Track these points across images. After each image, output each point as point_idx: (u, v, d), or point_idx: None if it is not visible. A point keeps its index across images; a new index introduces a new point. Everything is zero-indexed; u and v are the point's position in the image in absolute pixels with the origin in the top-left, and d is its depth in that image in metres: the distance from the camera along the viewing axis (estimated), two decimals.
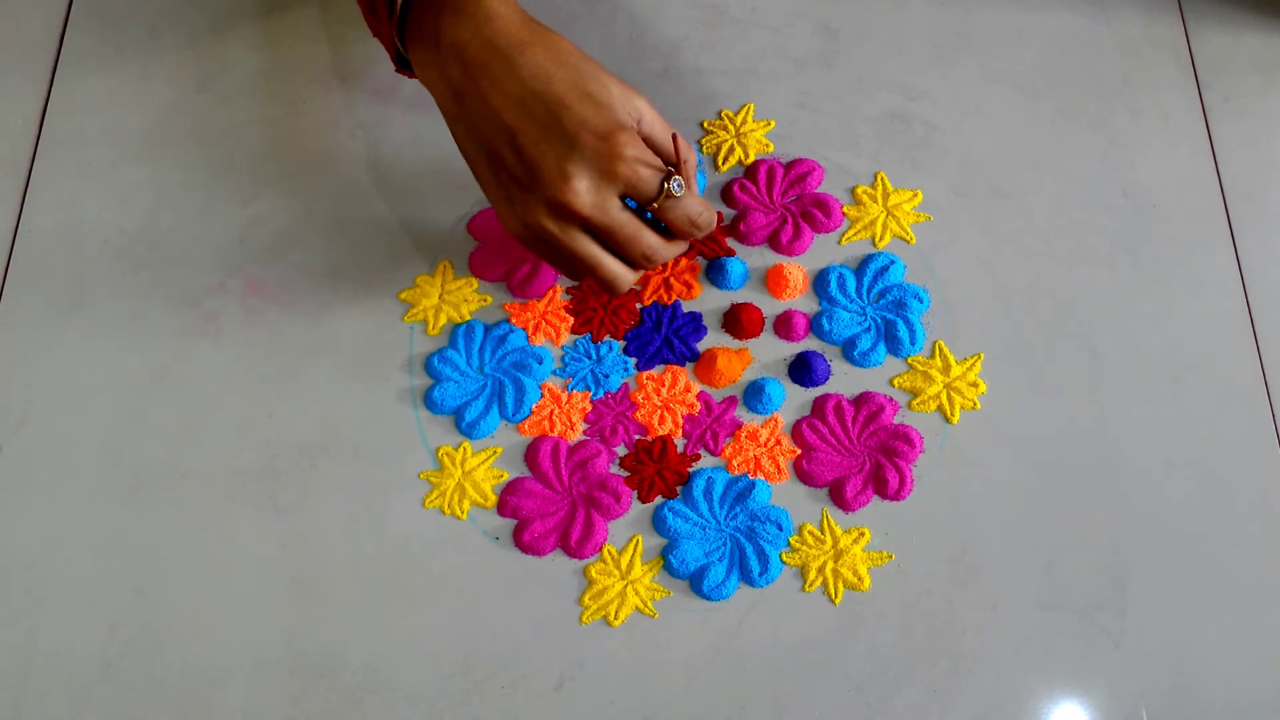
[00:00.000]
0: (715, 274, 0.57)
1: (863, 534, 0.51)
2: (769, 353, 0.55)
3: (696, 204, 0.50)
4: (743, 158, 0.60)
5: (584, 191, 0.47)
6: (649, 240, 0.49)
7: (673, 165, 0.50)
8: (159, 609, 0.51)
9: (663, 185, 0.48)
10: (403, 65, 0.54)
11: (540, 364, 0.55)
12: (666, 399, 0.54)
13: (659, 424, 0.54)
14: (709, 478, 0.53)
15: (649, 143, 0.49)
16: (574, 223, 0.48)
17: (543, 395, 0.55)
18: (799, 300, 0.56)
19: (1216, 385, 0.54)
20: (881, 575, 0.51)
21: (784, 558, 0.51)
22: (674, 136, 0.50)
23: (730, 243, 0.58)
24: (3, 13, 0.65)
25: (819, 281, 0.57)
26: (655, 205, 0.48)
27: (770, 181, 0.59)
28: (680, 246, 0.51)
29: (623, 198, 0.48)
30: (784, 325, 0.56)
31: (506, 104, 0.47)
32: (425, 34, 0.50)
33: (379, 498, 0.53)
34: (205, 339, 0.56)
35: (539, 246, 0.50)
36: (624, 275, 0.50)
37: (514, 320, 0.56)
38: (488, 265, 0.57)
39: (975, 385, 0.54)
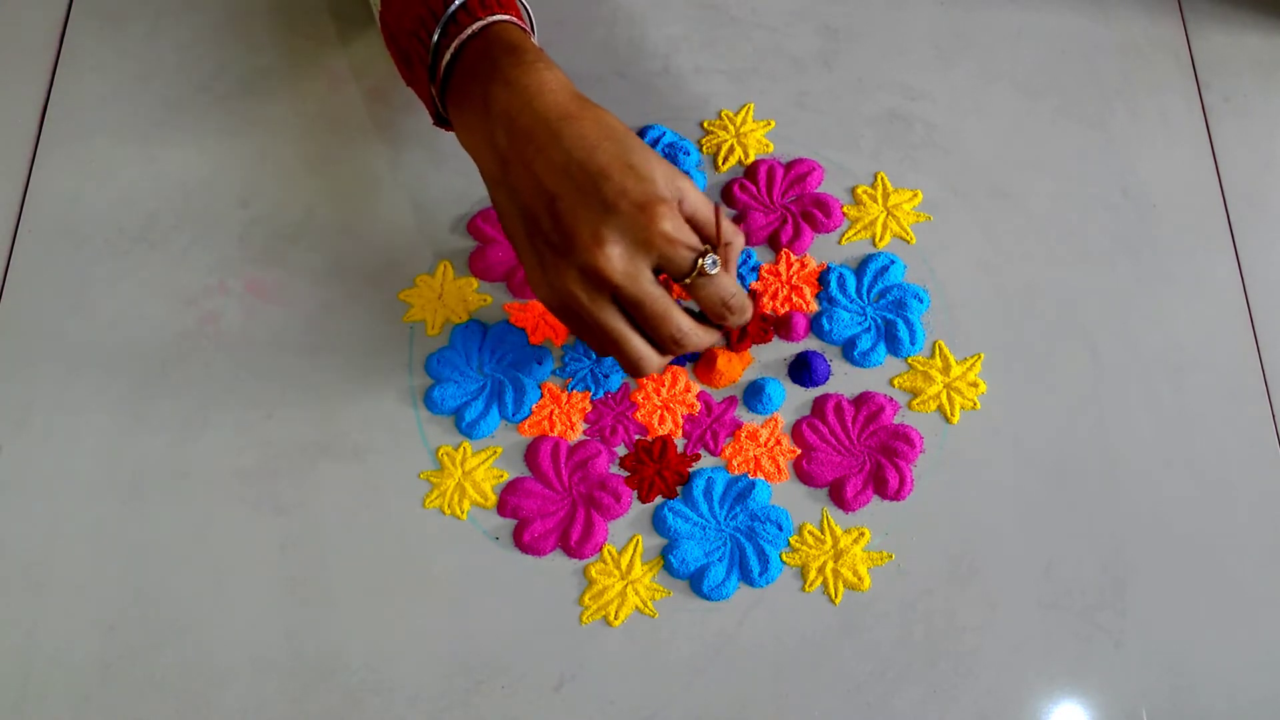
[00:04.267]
0: None
1: (863, 534, 0.51)
2: (769, 353, 0.55)
3: (731, 285, 0.49)
4: (743, 158, 0.60)
5: (616, 258, 0.46)
6: (679, 321, 0.48)
7: (711, 245, 0.48)
8: (159, 609, 0.51)
9: (696, 261, 0.47)
10: (441, 122, 0.54)
11: (540, 364, 0.55)
12: (666, 399, 0.54)
13: (659, 424, 0.54)
14: (709, 478, 0.53)
15: (691, 223, 0.48)
16: (604, 292, 0.47)
17: (543, 395, 0.55)
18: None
19: (1216, 385, 0.54)
20: (881, 575, 0.51)
21: (784, 558, 0.51)
22: (717, 215, 0.48)
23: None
24: (3, 13, 0.65)
25: (819, 281, 0.57)
26: (687, 281, 0.48)
27: (770, 181, 0.59)
28: (713, 336, 0.51)
29: (655, 272, 0.48)
30: (784, 325, 0.56)
31: (549, 171, 0.47)
32: (472, 100, 0.50)
33: (379, 498, 0.53)
34: (205, 339, 0.56)
35: (566, 315, 0.48)
36: (650, 357, 0.49)
37: (514, 320, 0.56)
38: (488, 265, 0.57)
39: (975, 385, 0.54)
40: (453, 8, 0.50)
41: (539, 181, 0.47)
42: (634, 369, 0.49)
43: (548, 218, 0.47)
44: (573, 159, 0.47)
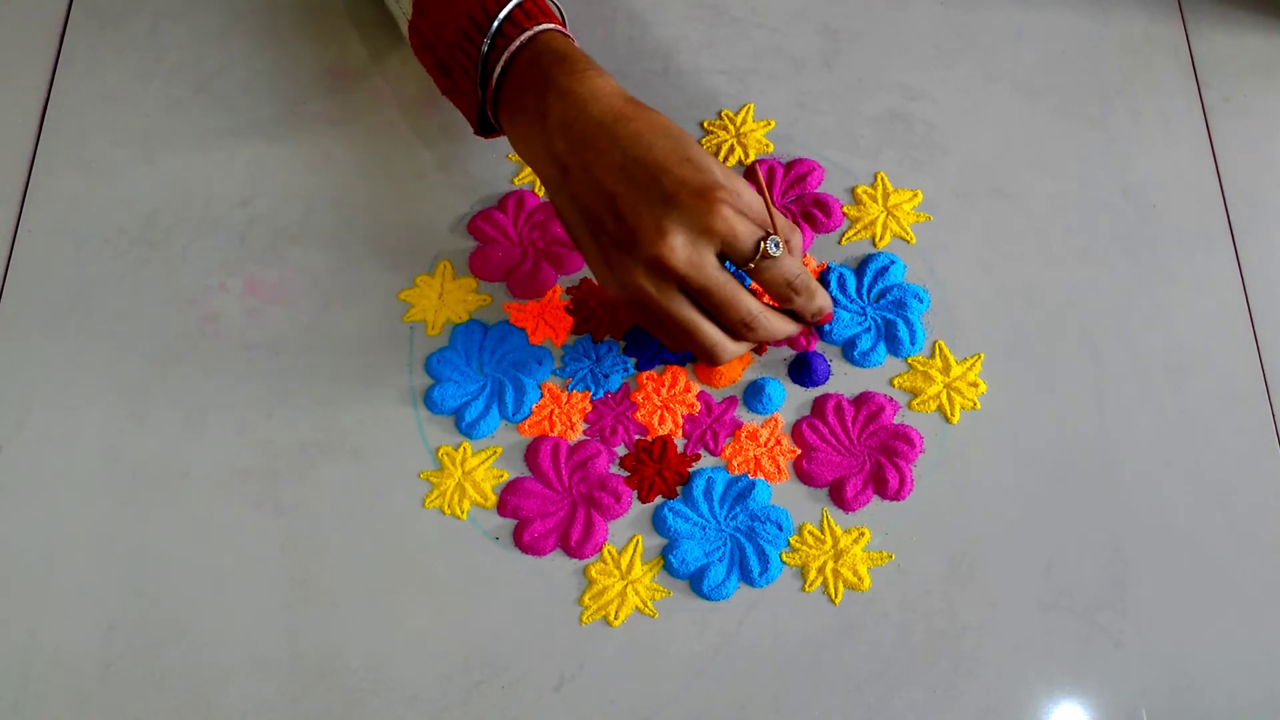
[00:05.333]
0: None
1: (863, 534, 0.51)
2: (769, 353, 0.55)
3: (795, 267, 0.49)
4: (743, 158, 0.60)
5: (680, 247, 0.47)
6: (748, 305, 0.49)
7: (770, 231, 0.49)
8: (159, 609, 0.51)
9: (759, 244, 0.47)
10: (484, 130, 0.54)
11: (540, 364, 0.55)
12: (666, 399, 0.54)
13: (659, 424, 0.54)
14: (709, 478, 0.53)
15: (748, 215, 0.48)
16: (671, 282, 0.48)
17: (543, 395, 0.55)
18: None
19: (1216, 385, 0.54)
20: (881, 575, 0.51)
21: (784, 558, 0.51)
22: (771, 210, 0.49)
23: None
24: (3, 13, 0.65)
25: (819, 281, 0.57)
26: (751, 265, 0.48)
27: (770, 181, 0.59)
28: (788, 324, 0.51)
29: (720, 259, 0.48)
30: None
31: (608, 172, 0.48)
32: (527, 111, 0.50)
33: (379, 498, 0.53)
34: (205, 339, 0.56)
35: (638, 311, 0.50)
36: (724, 343, 0.50)
37: (514, 320, 0.56)
38: (488, 265, 0.57)
39: (975, 385, 0.54)
40: (499, 19, 0.50)
41: (599, 183, 0.48)
42: (709, 357, 0.50)
43: (610, 217, 0.48)
44: (630, 157, 0.48)
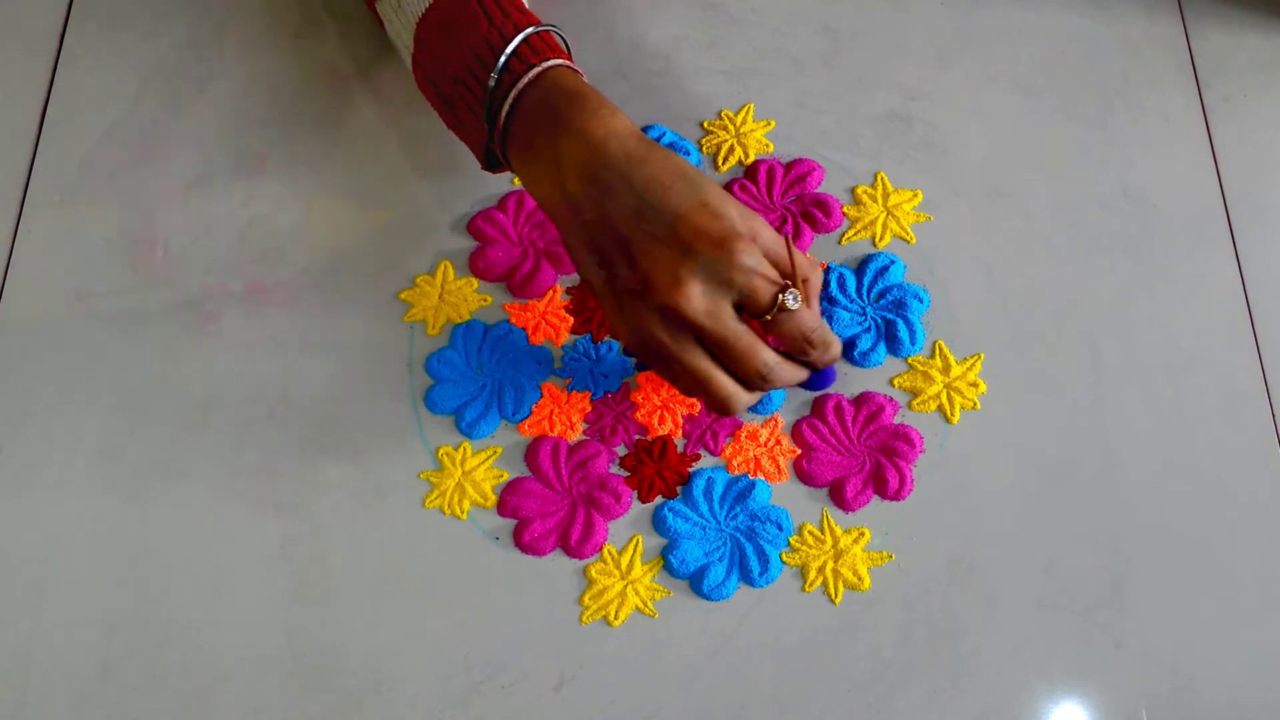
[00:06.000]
0: None
1: (863, 534, 0.51)
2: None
3: (812, 320, 0.48)
4: (743, 158, 0.60)
5: (696, 297, 0.45)
6: (765, 356, 0.47)
7: (790, 281, 0.47)
8: (159, 609, 0.51)
9: (777, 296, 0.46)
10: (492, 165, 0.54)
11: (540, 364, 0.55)
12: (666, 399, 0.54)
13: (659, 424, 0.54)
14: (709, 478, 0.53)
15: (769, 258, 0.47)
16: (686, 332, 0.46)
17: (543, 395, 0.55)
18: None
19: (1216, 385, 0.54)
20: (881, 575, 0.51)
21: (784, 558, 0.51)
22: (792, 253, 0.48)
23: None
24: (3, 13, 0.65)
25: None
26: (768, 318, 0.47)
27: (770, 181, 0.59)
28: (800, 372, 0.49)
29: (738, 309, 0.47)
30: None
31: (623, 215, 0.47)
32: (539, 151, 0.49)
33: (379, 498, 0.53)
34: (205, 339, 0.56)
35: (651, 359, 0.48)
36: (738, 394, 0.48)
37: (514, 320, 0.56)
38: (488, 265, 0.57)
39: (975, 385, 0.54)
40: (506, 54, 0.50)
41: (613, 227, 0.47)
42: (722, 408, 0.48)
43: (624, 263, 0.47)
44: (644, 202, 0.47)
